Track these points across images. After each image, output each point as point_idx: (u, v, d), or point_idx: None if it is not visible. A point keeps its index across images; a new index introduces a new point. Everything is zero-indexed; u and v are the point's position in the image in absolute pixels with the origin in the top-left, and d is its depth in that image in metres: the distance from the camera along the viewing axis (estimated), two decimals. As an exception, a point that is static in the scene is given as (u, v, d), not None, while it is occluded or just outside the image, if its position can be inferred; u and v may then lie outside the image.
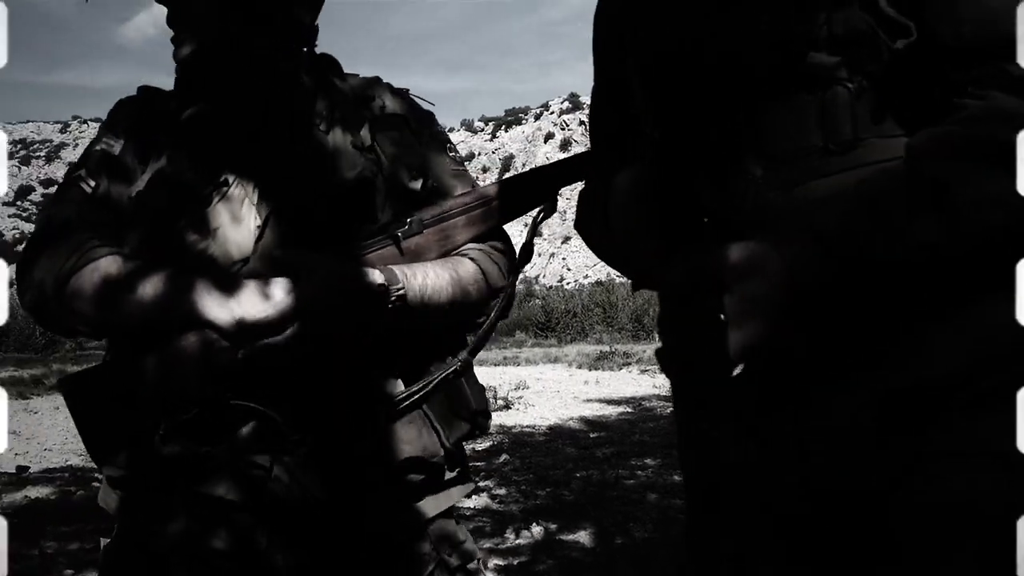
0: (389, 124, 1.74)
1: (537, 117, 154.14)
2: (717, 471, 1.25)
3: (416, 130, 1.78)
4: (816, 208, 1.05)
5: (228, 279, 1.53)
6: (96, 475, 8.58)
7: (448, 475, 1.71)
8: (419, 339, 1.67)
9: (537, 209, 1.71)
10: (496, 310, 1.74)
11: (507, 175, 1.75)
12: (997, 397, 1.01)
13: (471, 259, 1.71)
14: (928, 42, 1.03)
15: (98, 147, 1.71)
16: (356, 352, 1.58)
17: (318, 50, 1.81)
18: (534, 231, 1.69)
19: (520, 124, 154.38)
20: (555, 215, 1.75)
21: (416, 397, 1.62)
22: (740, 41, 1.13)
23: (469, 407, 1.68)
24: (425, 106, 1.86)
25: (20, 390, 18.05)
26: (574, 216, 1.57)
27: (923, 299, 1.04)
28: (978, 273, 1.01)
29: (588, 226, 1.51)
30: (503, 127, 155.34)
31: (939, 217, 0.96)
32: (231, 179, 1.62)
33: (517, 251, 1.75)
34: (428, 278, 1.62)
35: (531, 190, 1.73)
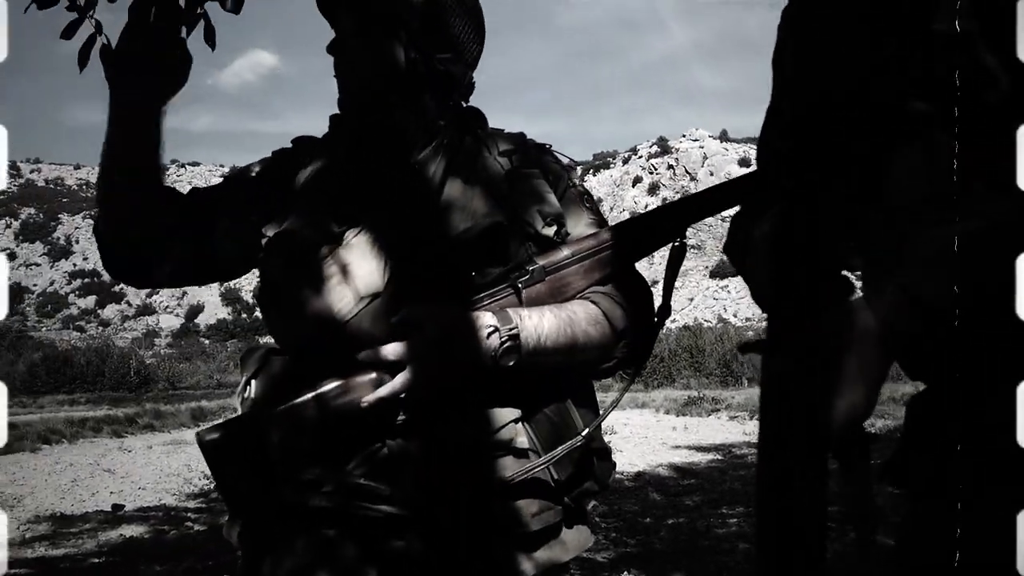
0: (527, 175, 1.78)
1: (625, 161, 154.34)
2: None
3: (554, 182, 1.81)
4: (918, 269, 1.01)
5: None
6: (188, 514, 8.72)
7: (565, 530, 1.70)
8: (539, 381, 1.66)
9: (670, 253, 1.70)
10: (632, 376, 1.75)
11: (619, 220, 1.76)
12: None
13: (593, 301, 1.70)
14: None
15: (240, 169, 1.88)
16: (471, 395, 1.59)
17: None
18: (672, 282, 1.69)
19: (608, 168, 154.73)
20: (643, 259, 1.73)
21: (541, 467, 1.62)
22: (879, 88, 1.09)
23: (593, 472, 1.71)
24: (565, 160, 1.89)
25: (115, 428, 18.55)
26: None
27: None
28: None
29: (732, 255, 1.37)
30: (591, 171, 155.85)
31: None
32: (365, 220, 1.68)
33: (655, 295, 1.77)
34: (544, 318, 1.62)
35: (655, 229, 1.73)
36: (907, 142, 1.05)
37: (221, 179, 1.87)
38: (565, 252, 1.69)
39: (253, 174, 1.84)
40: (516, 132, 1.88)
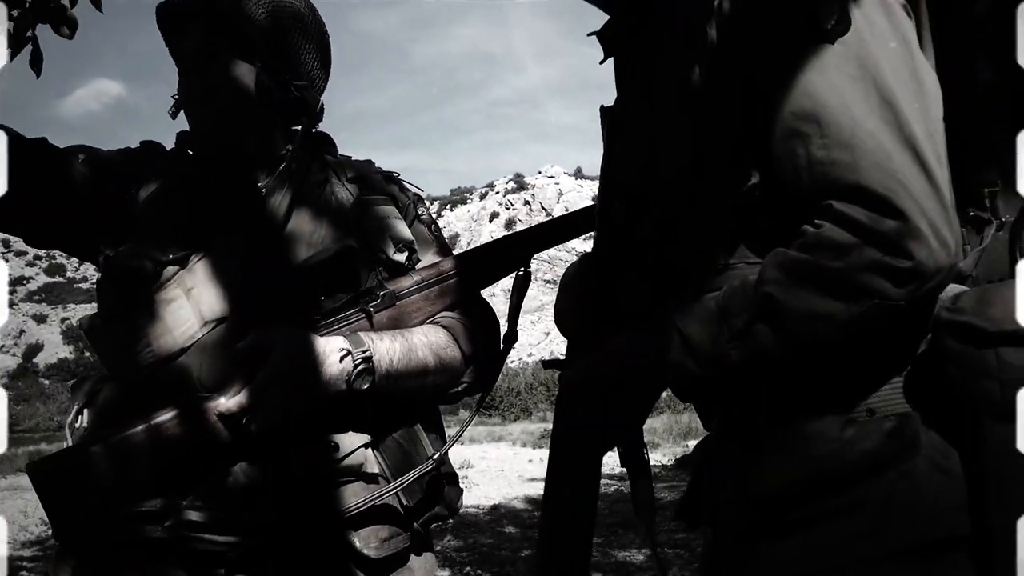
0: (376, 201, 1.80)
1: (482, 196, 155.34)
2: None
3: (403, 209, 1.83)
4: (685, 313, 1.24)
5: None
6: (23, 563, 8.29)
7: (413, 556, 1.71)
8: (389, 407, 1.67)
9: (514, 282, 1.75)
10: (479, 399, 1.80)
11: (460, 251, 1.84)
12: (806, 523, 1.18)
13: (443, 326, 1.73)
14: (780, 186, 1.21)
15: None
16: (321, 420, 1.59)
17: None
18: (517, 309, 1.75)
19: (465, 203, 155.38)
20: (500, 293, 1.78)
21: (391, 492, 1.63)
22: (661, 166, 1.34)
23: (442, 498, 1.73)
24: (412, 190, 1.93)
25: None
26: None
27: (771, 414, 1.24)
28: (807, 392, 1.21)
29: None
30: (448, 206, 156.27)
31: (772, 326, 1.15)
32: (210, 244, 1.65)
33: (501, 321, 1.80)
34: (396, 342, 1.63)
35: (503, 257, 1.77)
36: (691, 214, 1.30)
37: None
38: (415, 278, 1.72)
39: (97, 163, 1.75)
40: (364, 160, 1.91)
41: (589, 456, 1.42)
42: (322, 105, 1.85)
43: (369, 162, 1.92)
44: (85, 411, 1.67)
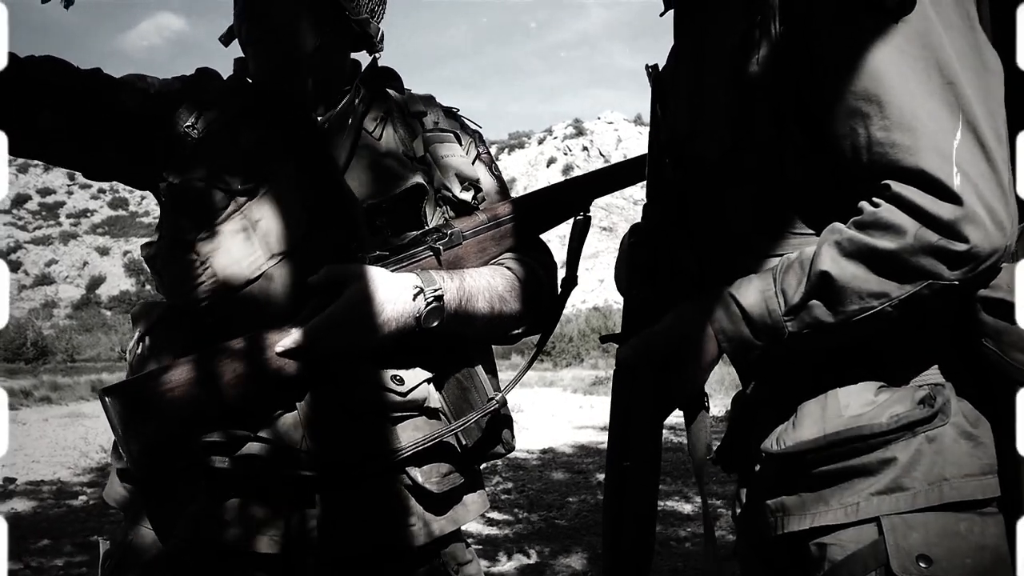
0: (441, 138, 1.79)
1: (540, 142, 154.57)
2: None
3: (465, 146, 1.83)
4: (742, 284, 1.28)
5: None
6: (83, 488, 8.51)
7: (467, 494, 1.73)
8: (450, 345, 1.68)
9: (574, 226, 1.75)
10: (539, 341, 1.80)
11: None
12: (835, 478, 1.24)
13: (508, 268, 1.74)
14: (835, 157, 1.23)
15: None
16: (387, 354, 1.60)
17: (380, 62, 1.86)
18: (577, 254, 1.75)
19: (523, 148, 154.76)
20: (555, 239, 1.76)
21: (453, 431, 1.65)
22: (703, 141, 1.38)
23: (499, 438, 1.74)
24: (472, 127, 1.91)
25: (9, 401, 18.00)
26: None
27: (807, 375, 1.29)
28: (848, 362, 1.26)
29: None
30: (506, 150, 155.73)
31: (827, 302, 1.19)
32: (278, 176, 1.64)
33: (559, 265, 1.80)
34: (465, 282, 1.64)
35: (564, 201, 1.78)
36: (744, 186, 1.33)
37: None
38: (480, 218, 1.71)
39: (161, 89, 1.75)
40: (426, 95, 1.87)
41: (648, 428, 1.42)
42: (382, 34, 1.83)
43: (431, 97, 1.90)
44: (147, 339, 1.67)
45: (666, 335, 1.37)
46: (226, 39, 1.75)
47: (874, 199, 1.17)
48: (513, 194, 1.86)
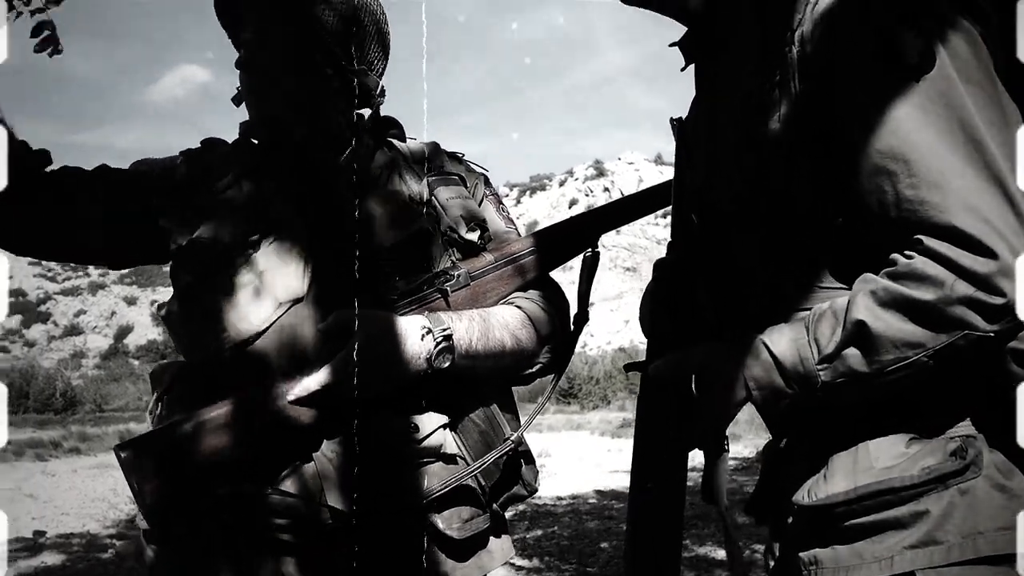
0: (446, 182, 1.79)
1: (562, 183, 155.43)
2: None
3: (471, 188, 1.83)
4: (773, 331, 1.27)
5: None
6: (112, 541, 8.50)
7: (492, 539, 1.71)
8: (465, 387, 1.67)
9: (583, 263, 1.74)
10: (554, 381, 1.78)
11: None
12: (867, 531, 1.22)
13: (517, 307, 1.72)
14: (864, 213, 1.22)
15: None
16: (401, 401, 1.59)
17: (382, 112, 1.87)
18: (588, 290, 1.74)
19: (544, 190, 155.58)
20: (578, 281, 1.75)
21: (471, 474, 1.63)
22: (718, 193, 1.39)
23: (520, 478, 1.74)
24: (477, 169, 1.91)
25: (38, 452, 18.08)
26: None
27: (840, 427, 1.27)
28: (879, 413, 1.24)
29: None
30: (527, 193, 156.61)
31: (863, 351, 1.18)
32: (281, 227, 1.66)
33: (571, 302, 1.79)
34: (475, 322, 1.63)
35: (572, 237, 1.76)
36: (751, 234, 1.34)
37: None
38: (488, 258, 1.71)
39: (161, 169, 1.79)
40: (430, 142, 1.88)
41: (673, 451, 1.42)
42: (383, 88, 1.85)
43: (435, 144, 1.91)
44: (165, 398, 1.67)
45: (697, 362, 1.36)
46: (237, 100, 1.78)
47: (906, 252, 1.17)
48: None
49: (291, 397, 1.51)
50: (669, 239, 1.56)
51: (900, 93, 1.17)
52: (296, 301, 1.61)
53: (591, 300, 1.78)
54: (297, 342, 1.60)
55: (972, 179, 1.13)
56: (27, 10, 3.91)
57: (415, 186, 1.76)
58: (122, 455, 1.49)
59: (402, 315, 1.59)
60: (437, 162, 1.83)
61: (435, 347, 1.56)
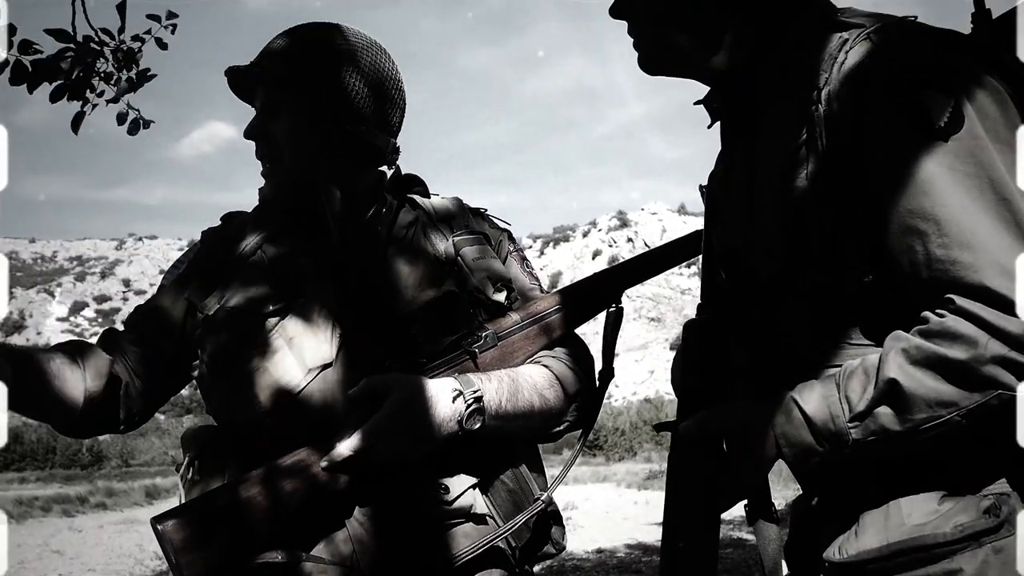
0: (472, 240, 1.79)
1: (585, 234, 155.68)
2: None
3: (496, 246, 1.83)
4: (803, 389, 1.26)
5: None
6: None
7: None
8: (493, 447, 1.66)
9: (607, 318, 1.75)
10: (582, 438, 1.78)
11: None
12: None
13: (544, 365, 1.72)
14: (894, 272, 1.22)
15: (163, 280, 1.85)
16: (431, 463, 1.58)
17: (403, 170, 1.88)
18: (612, 346, 1.74)
19: (568, 241, 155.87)
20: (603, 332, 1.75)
21: (504, 535, 1.61)
22: (756, 257, 1.39)
23: (549, 537, 1.72)
24: (501, 225, 1.92)
25: (65, 508, 18.11)
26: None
27: (870, 483, 1.26)
28: (911, 471, 1.22)
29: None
30: (551, 244, 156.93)
31: (895, 410, 1.17)
32: (307, 292, 1.67)
33: (595, 359, 1.78)
34: (503, 382, 1.62)
35: (596, 294, 1.77)
36: (792, 300, 1.34)
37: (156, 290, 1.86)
38: (515, 317, 1.71)
39: (182, 271, 1.82)
40: (452, 197, 1.89)
41: (705, 508, 1.41)
42: (396, 146, 1.85)
43: (458, 200, 1.91)
44: (196, 463, 1.67)
45: (727, 420, 1.36)
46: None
47: (938, 311, 1.16)
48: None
49: (324, 464, 1.51)
50: (699, 299, 1.57)
51: (929, 153, 1.17)
52: (325, 366, 1.62)
53: (618, 352, 1.77)
54: (327, 407, 1.60)
55: (1004, 239, 1.13)
56: (102, 101, 4.04)
57: (441, 245, 1.76)
58: (159, 528, 1.48)
59: (432, 378, 1.60)
60: (462, 220, 1.83)
61: (466, 409, 1.56)
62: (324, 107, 1.72)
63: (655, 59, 1.47)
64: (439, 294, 1.67)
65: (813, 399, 1.24)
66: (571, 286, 1.79)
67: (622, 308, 1.76)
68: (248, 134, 1.75)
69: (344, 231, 1.73)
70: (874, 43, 1.25)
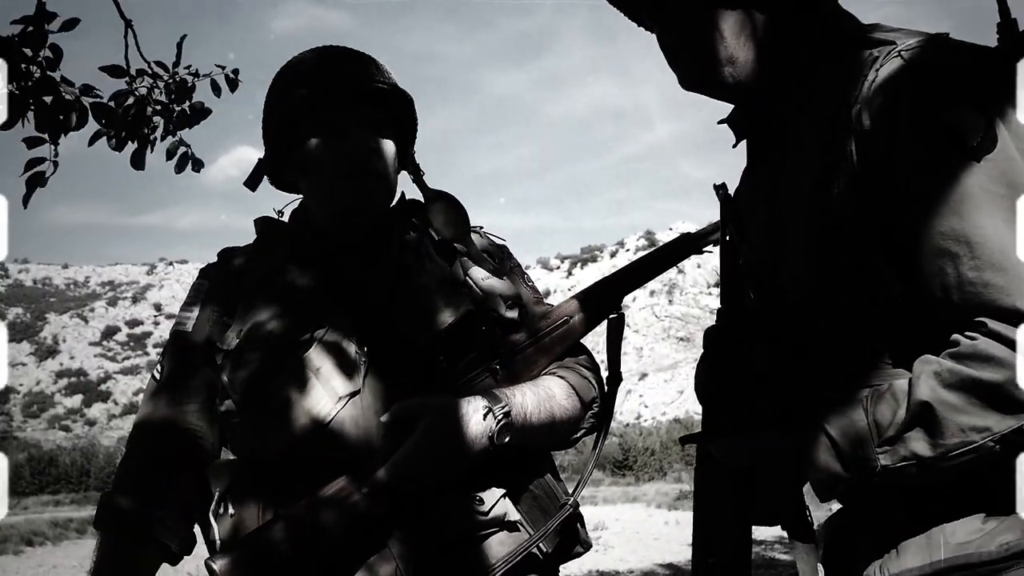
0: (477, 259, 1.84)
1: (613, 254, 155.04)
2: None
3: (499, 262, 1.88)
4: (831, 415, 1.24)
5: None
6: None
7: None
8: (518, 457, 1.71)
9: (609, 325, 1.78)
10: (599, 444, 1.82)
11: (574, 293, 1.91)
12: None
13: (560, 376, 1.76)
14: (925, 294, 1.20)
15: (174, 328, 1.85)
16: (464, 477, 1.62)
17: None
18: (618, 352, 1.78)
19: (596, 261, 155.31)
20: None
21: (537, 541, 1.65)
22: (785, 279, 1.37)
23: (577, 539, 1.76)
24: (498, 241, 1.96)
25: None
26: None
27: (908, 502, 1.23)
28: (949, 491, 1.20)
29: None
30: (579, 264, 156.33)
31: (927, 434, 1.14)
32: (331, 320, 1.70)
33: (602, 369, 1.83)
34: (526, 396, 1.67)
35: (599, 302, 1.80)
36: (823, 321, 1.32)
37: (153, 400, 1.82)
38: (529, 332, 1.76)
39: (188, 328, 1.82)
40: (448, 213, 1.90)
41: (735, 524, 1.41)
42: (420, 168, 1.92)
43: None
44: (227, 497, 1.69)
45: (755, 448, 1.37)
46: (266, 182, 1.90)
47: (968, 333, 1.14)
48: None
49: (365, 491, 1.55)
50: (719, 307, 1.56)
51: (961, 173, 1.15)
52: (354, 394, 1.65)
53: (647, 373, 1.78)
54: (359, 434, 1.64)
55: None
56: (157, 134, 4.05)
57: (446, 266, 1.81)
58: (215, 566, 1.52)
59: (462, 397, 1.63)
60: (463, 240, 1.86)
61: (496, 425, 1.61)
62: (408, 136, 1.84)
63: (698, 72, 1.44)
64: (459, 316, 1.71)
65: (840, 424, 1.22)
66: (575, 297, 1.82)
67: (623, 315, 1.79)
68: (361, 150, 1.77)
69: (364, 256, 1.78)
70: (905, 60, 1.23)
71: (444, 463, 1.59)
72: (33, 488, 37.22)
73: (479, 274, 1.81)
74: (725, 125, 1.52)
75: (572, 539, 1.75)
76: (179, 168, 4.09)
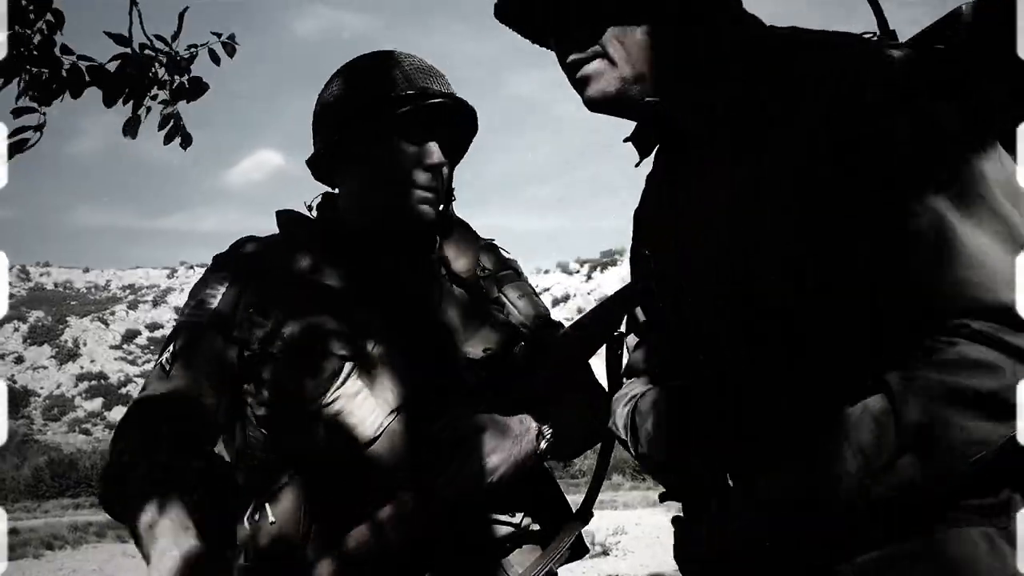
0: (508, 278, 1.90)
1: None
2: None
3: (521, 279, 1.93)
4: (814, 454, 1.15)
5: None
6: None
7: None
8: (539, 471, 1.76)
9: (607, 350, 1.73)
10: (606, 446, 1.78)
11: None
12: None
13: (581, 391, 1.79)
14: (897, 296, 1.14)
15: (200, 298, 1.77)
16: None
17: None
18: (618, 367, 1.71)
19: (615, 265, 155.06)
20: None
21: (566, 546, 1.68)
22: (762, 287, 1.26)
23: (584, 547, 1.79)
24: (509, 258, 1.98)
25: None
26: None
27: (894, 534, 1.15)
28: (943, 512, 1.13)
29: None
30: (599, 268, 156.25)
31: (922, 457, 1.07)
32: (382, 330, 1.71)
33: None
34: (563, 413, 1.71)
35: (607, 320, 1.75)
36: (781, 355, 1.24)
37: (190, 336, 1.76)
38: (555, 348, 1.78)
39: (214, 304, 1.75)
40: (463, 228, 1.93)
41: None
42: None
43: (471, 232, 1.95)
44: (266, 507, 1.64)
45: (734, 532, 1.29)
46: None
47: (944, 338, 1.08)
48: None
49: (424, 508, 1.57)
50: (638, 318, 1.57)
51: (935, 170, 1.13)
52: (403, 407, 1.66)
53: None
54: (406, 447, 1.64)
55: (1009, 255, 1.08)
56: (155, 104, 4.03)
57: (479, 284, 1.85)
58: None
59: (514, 417, 1.67)
60: (486, 257, 1.90)
61: (545, 445, 1.67)
62: (456, 159, 1.87)
63: (607, 93, 1.38)
64: (504, 336, 1.76)
65: (826, 464, 1.14)
66: (589, 313, 1.78)
67: (623, 333, 1.71)
68: (438, 168, 1.77)
69: (406, 264, 1.80)
70: (846, 67, 1.21)
71: (498, 480, 1.61)
72: (53, 491, 37.44)
73: (512, 292, 1.87)
74: (634, 164, 1.50)
75: (580, 545, 1.77)
76: (168, 139, 4.08)
